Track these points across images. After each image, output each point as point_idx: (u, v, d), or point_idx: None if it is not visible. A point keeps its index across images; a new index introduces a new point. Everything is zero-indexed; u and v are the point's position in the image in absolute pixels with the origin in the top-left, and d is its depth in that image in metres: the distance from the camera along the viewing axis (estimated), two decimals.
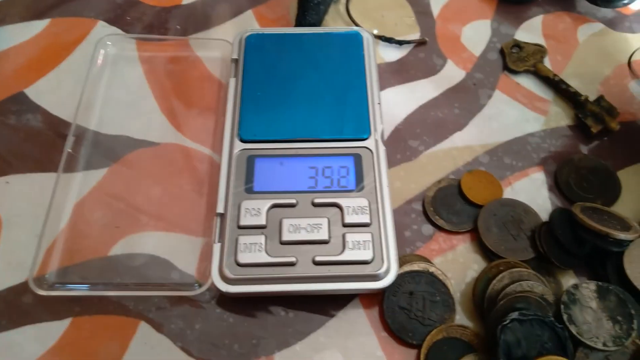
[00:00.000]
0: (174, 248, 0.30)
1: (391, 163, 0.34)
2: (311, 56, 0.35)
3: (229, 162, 0.30)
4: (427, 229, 0.32)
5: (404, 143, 0.35)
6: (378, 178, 0.30)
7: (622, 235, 0.28)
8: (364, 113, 0.32)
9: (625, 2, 0.41)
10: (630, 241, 0.28)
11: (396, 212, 0.32)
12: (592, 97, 0.36)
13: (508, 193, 0.33)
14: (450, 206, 0.32)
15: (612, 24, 0.42)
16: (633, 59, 0.40)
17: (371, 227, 0.28)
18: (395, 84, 0.38)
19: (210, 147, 0.34)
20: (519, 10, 0.42)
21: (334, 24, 0.41)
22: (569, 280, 0.30)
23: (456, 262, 0.31)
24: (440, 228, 0.32)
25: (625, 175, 0.34)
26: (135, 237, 0.30)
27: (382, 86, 0.38)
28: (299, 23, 0.39)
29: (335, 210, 0.29)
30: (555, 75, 0.38)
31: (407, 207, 0.33)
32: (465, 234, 0.32)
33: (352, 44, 0.36)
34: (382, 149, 0.32)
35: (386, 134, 0.35)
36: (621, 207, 0.33)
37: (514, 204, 0.31)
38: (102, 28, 0.40)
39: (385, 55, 0.39)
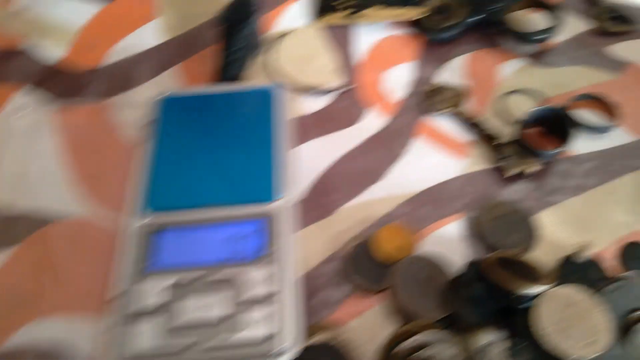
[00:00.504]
0: (74, 334, 0.30)
1: (307, 221, 0.34)
2: (221, 117, 0.35)
3: (123, 240, 0.29)
4: (343, 290, 0.31)
5: (321, 198, 0.35)
6: (283, 244, 0.30)
7: (526, 290, 0.28)
8: (268, 174, 0.32)
9: (543, 37, 0.41)
10: (536, 296, 0.28)
11: (310, 275, 0.32)
12: (514, 137, 0.36)
13: (426, 245, 0.33)
14: (367, 264, 0.32)
15: (534, 59, 0.42)
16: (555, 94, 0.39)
17: (271, 300, 0.28)
18: (316, 135, 0.38)
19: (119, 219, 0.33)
20: (442, 51, 0.42)
21: (256, 77, 0.41)
22: (484, 339, 0.30)
23: (373, 324, 0.30)
24: (356, 288, 0.31)
25: (544, 218, 0.34)
26: (33, 325, 0.30)
27: (303, 139, 0.37)
28: (219, 78, 0.39)
29: (233, 285, 0.28)
30: (473, 116, 0.38)
31: (322, 267, 0.32)
32: (379, 295, 0.31)
33: (261, 100, 0.36)
34: (289, 211, 0.31)
35: (303, 190, 0.35)
36: (536, 254, 0.32)
37: (427, 259, 0.31)
38: (17, 97, 0.39)
39: (306, 107, 0.39)
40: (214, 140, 0.34)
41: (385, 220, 0.34)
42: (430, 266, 0.31)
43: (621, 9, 0.44)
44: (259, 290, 0.27)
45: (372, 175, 0.36)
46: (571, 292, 0.29)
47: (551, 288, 0.28)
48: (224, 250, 0.29)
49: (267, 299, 0.27)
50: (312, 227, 0.34)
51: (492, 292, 0.29)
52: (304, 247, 0.33)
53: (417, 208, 0.34)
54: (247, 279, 0.28)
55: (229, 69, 0.38)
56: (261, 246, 0.29)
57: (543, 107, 0.36)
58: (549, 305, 0.28)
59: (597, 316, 0.28)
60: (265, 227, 0.30)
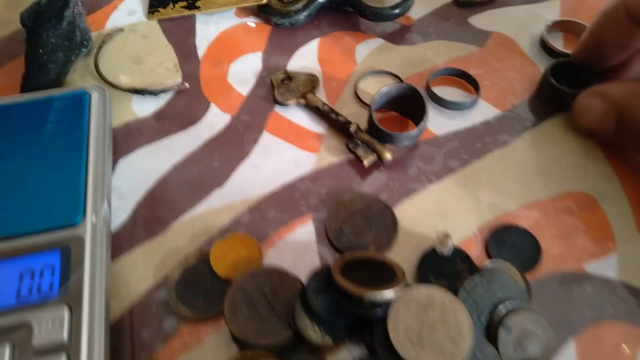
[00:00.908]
0: None
1: (135, 240, 0.29)
2: (18, 130, 0.29)
3: None
4: (170, 322, 0.26)
5: (153, 213, 0.30)
6: (90, 274, 0.24)
7: (379, 296, 0.24)
8: (77, 192, 0.27)
9: (399, 12, 0.38)
10: (391, 301, 0.24)
11: (139, 304, 0.26)
12: (368, 122, 0.32)
13: (272, 256, 0.28)
14: (200, 287, 0.27)
15: (392, 38, 0.38)
16: (415, 72, 0.36)
17: (71, 347, 0.22)
18: (147, 142, 0.32)
19: None
20: (293, 36, 0.38)
21: (82, 82, 0.35)
22: (339, 356, 0.25)
23: (212, 356, 0.25)
24: (185, 317, 0.26)
25: (406, 209, 0.30)
26: None
27: (133, 146, 0.32)
28: (24, 89, 0.33)
29: (25, 330, 0.23)
30: (324, 104, 0.34)
31: (153, 294, 0.27)
32: (215, 320, 0.26)
33: (75, 107, 0.30)
34: (101, 233, 0.26)
35: (130, 207, 0.30)
36: (398, 248, 0.28)
37: (269, 273, 0.27)
38: None
39: (139, 110, 0.34)
40: (8, 158, 0.28)
41: (227, 231, 0.29)
42: (274, 279, 0.27)
43: None
44: (59, 334, 0.22)
45: (213, 181, 0.31)
46: (430, 292, 0.25)
47: (408, 290, 0.24)
48: (10, 292, 0.24)
49: (69, 344, 0.22)
50: (142, 248, 0.28)
51: (341, 303, 0.24)
52: (131, 272, 0.27)
53: (264, 213, 0.30)
54: (45, 320, 0.22)
55: (34, 77, 0.33)
56: (66, 278, 0.24)
57: (394, 86, 0.32)
58: (406, 311, 0.25)
59: (460, 316, 0.24)
60: (62, 259, 0.24)
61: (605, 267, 0.28)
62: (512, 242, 0.29)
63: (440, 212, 0.30)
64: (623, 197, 0.31)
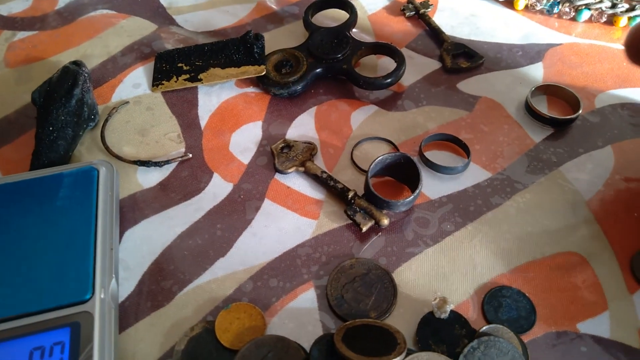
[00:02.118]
0: None
1: (140, 314, 0.29)
2: (28, 207, 0.30)
3: None
4: None
5: (158, 284, 0.30)
6: (99, 351, 0.25)
7: None
8: (87, 268, 0.28)
9: (388, 82, 0.40)
10: None
11: None
12: (365, 189, 0.34)
13: (275, 324, 0.29)
14: (205, 358, 0.27)
15: (385, 104, 0.40)
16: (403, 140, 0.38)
17: None
18: (152, 213, 0.34)
19: None
20: (292, 105, 0.40)
21: (90, 155, 0.37)
22: None
23: None
24: None
25: (404, 273, 0.31)
26: None
27: (139, 218, 0.33)
28: (34, 165, 0.34)
29: None
30: (323, 172, 0.35)
31: None
32: None
33: (83, 182, 0.32)
34: (110, 308, 0.27)
35: (136, 278, 0.31)
36: (398, 313, 0.29)
37: (273, 342, 0.27)
38: None
39: (144, 181, 0.35)
40: (19, 236, 0.29)
41: (231, 300, 0.30)
42: (278, 348, 0.27)
43: (465, 45, 0.44)
44: None
45: (216, 250, 0.32)
46: (429, 358, 0.26)
47: (409, 358, 0.25)
48: None
49: None
50: (147, 320, 0.29)
51: None
52: (137, 344, 0.28)
53: (266, 281, 0.31)
54: None
55: (43, 154, 0.34)
56: (76, 354, 0.25)
57: (389, 155, 0.34)
58: None
59: None
60: (71, 336, 0.25)
61: (598, 326, 0.29)
62: (507, 304, 0.30)
63: (438, 275, 0.31)
64: (612, 257, 0.32)
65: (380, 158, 0.34)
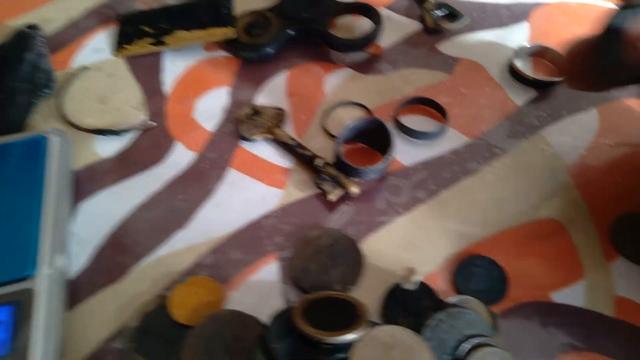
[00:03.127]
0: None
1: (92, 291, 0.28)
2: None
3: None
4: None
5: (114, 258, 0.29)
6: (44, 329, 0.24)
7: (338, 339, 0.23)
8: (31, 243, 0.26)
9: (367, 42, 0.37)
10: (352, 343, 0.23)
11: (94, 356, 0.26)
12: (335, 156, 0.32)
13: (235, 299, 0.28)
14: (159, 335, 0.26)
15: (361, 67, 0.38)
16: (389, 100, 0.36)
17: None
18: (110, 184, 0.32)
19: None
20: (262, 70, 0.38)
21: (45, 124, 0.35)
22: None
23: None
24: None
25: (373, 244, 0.29)
26: None
27: (93, 190, 0.32)
28: None
29: None
30: (291, 139, 0.33)
31: (104, 349, 0.26)
32: None
33: (32, 153, 0.30)
34: (57, 284, 0.25)
35: (89, 253, 0.29)
36: (365, 285, 0.28)
37: (231, 317, 0.26)
38: None
39: (103, 151, 0.33)
40: None
41: (189, 274, 0.28)
42: (236, 323, 0.26)
43: (448, 5, 0.41)
44: None
45: (176, 222, 0.30)
46: (392, 332, 0.24)
47: (370, 331, 0.24)
48: None
49: None
50: (99, 296, 0.28)
51: (302, 347, 0.24)
52: (88, 322, 0.27)
53: (227, 254, 0.29)
54: None
55: None
56: (6, 339, 0.23)
57: (360, 119, 0.32)
58: (368, 353, 0.24)
59: (423, 355, 0.24)
60: (14, 315, 0.24)
61: (574, 295, 0.28)
62: (479, 274, 0.28)
63: (408, 245, 0.30)
64: (591, 224, 0.30)
65: (351, 124, 0.32)
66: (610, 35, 0.25)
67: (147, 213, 0.31)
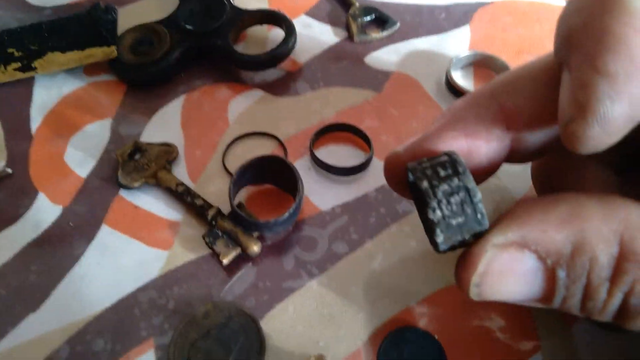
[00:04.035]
0: None
1: None
2: None
3: None
4: None
5: None
6: None
7: None
8: None
9: (269, 59, 0.31)
10: None
11: None
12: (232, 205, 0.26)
13: None
14: None
15: (273, 88, 0.32)
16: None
17: None
18: None
19: None
20: (153, 96, 0.31)
21: None
22: None
23: None
24: None
25: (279, 318, 0.23)
26: None
27: None
28: None
29: None
30: (179, 184, 0.27)
31: None
32: None
33: None
34: None
35: None
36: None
37: None
38: None
39: None
40: None
41: None
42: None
43: (377, 9, 0.35)
44: None
45: (26, 303, 0.24)
46: None
47: None
48: None
49: None
50: None
51: None
52: None
53: (89, 344, 0.22)
54: None
55: None
56: None
57: (255, 159, 0.25)
58: None
59: None
60: None
61: None
62: (410, 352, 0.22)
63: (323, 317, 0.24)
64: None
65: (245, 164, 0.26)
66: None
67: None
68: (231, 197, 0.25)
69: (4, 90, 0.32)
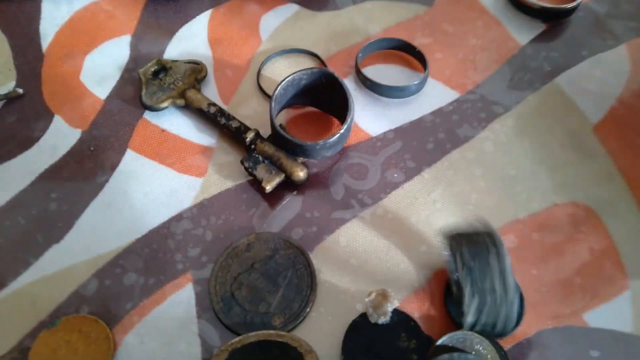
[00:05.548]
0: None
1: None
2: None
3: None
4: None
5: None
6: None
7: None
8: None
9: None
10: None
11: None
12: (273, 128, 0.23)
13: (128, 347, 0.19)
14: None
15: (310, 1, 0.28)
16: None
17: None
18: None
19: None
20: (175, 10, 0.28)
21: None
22: None
23: None
24: None
25: (323, 255, 0.21)
26: None
27: None
28: None
29: None
30: (211, 104, 0.23)
31: None
32: None
33: None
34: None
35: None
36: (317, 316, 0.20)
37: None
38: None
39: None
40: None
41: (62, 311, 0.19)
42: None
43: None
44: None
45: (48, 233, 0.21)
46: None
47: None
48: None
49: None
50: None
51: None
52: None
53: (119, 277, 0.20)
54: None
55: None
56: None
57: (304, 72, 0.22)
58: None
59: None
60: None
61: (615, 315, 0.19)
62: None
63: (377, 253, 0.21)
64: (632, 206, 0.21)
65: (289, 79, 0.22)
66: None
67: (6, 222, 0.21)
68: (272, 117, 0.22)
69: (8, 6, 0.29)
